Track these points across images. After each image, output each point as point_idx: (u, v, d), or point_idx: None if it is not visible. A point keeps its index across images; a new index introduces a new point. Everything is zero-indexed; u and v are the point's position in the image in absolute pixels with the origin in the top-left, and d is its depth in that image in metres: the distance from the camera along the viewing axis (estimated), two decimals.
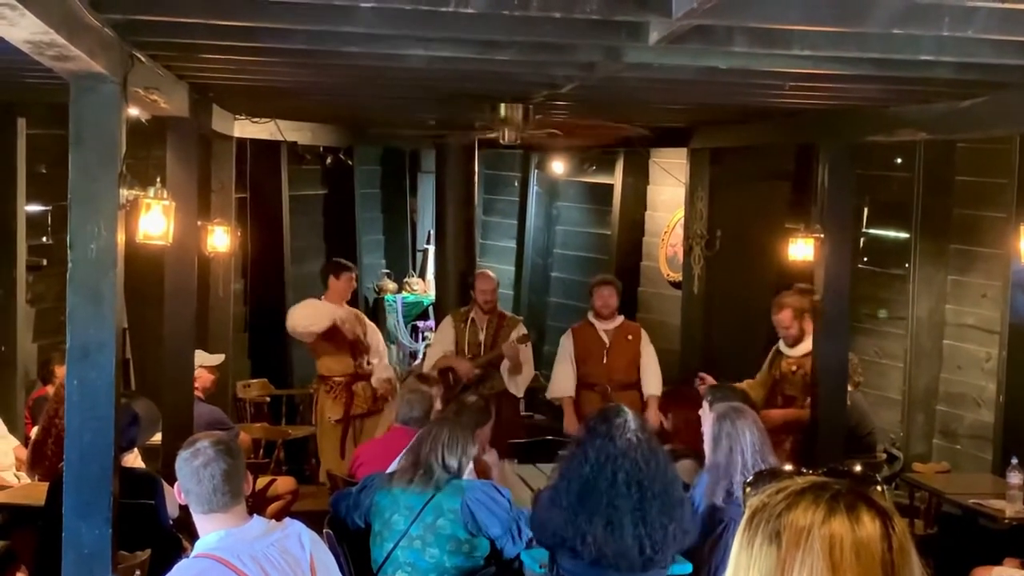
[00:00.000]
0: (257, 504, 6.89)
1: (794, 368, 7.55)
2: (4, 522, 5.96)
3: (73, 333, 4.41)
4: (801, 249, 7.41)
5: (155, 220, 5.10)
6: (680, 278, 10.09)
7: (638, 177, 11.10)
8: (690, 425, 6.10)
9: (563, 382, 7.97)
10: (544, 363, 9.70)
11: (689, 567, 4.76)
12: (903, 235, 8.83)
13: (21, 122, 7.76)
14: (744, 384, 7.59)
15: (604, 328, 7.99)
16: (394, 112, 8.83)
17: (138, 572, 4.71)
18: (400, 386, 7.68)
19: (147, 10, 3.98)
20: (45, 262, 8.05)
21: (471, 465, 4.97)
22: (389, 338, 12.09)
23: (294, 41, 4.43)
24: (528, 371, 8.13)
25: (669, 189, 10.60)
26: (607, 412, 4.48)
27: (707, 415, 5.44)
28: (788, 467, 6.30)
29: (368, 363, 8.32)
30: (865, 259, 8.96)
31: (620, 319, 8.08)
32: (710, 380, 7.17)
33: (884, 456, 7.78)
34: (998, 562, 5.72)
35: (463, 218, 10.00)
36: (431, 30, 4.13)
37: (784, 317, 7.52)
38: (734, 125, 8.61)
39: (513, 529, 4.73)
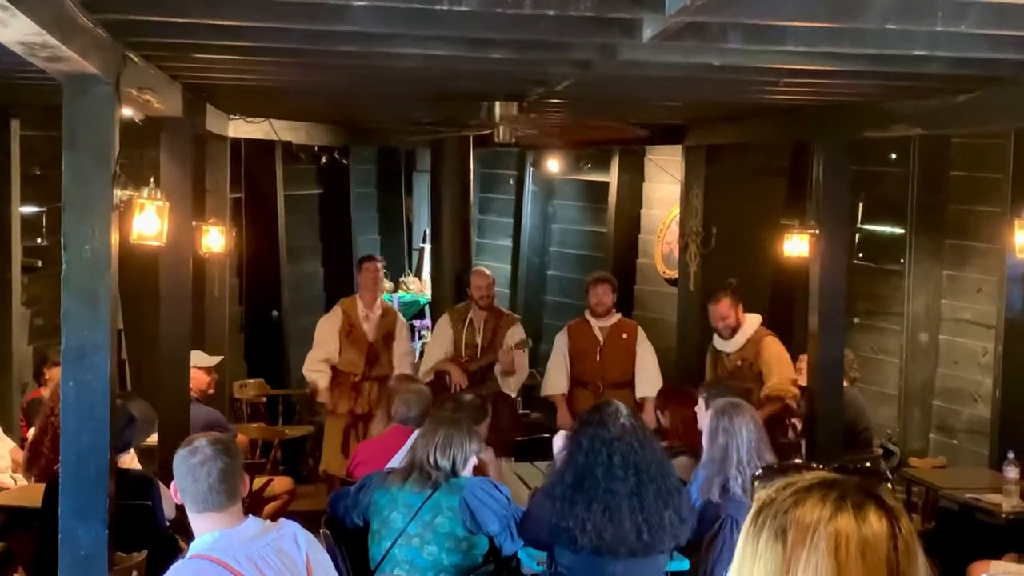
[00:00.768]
0: (254, 504, 6.89)
1: (739, 362, 7.60)
2: (1, 524, 5.94)
3: (68, 335, 4.41)
4: (796, 245, 7.42)
5: (149, 221, 5.10)
6: (676, 275, 10.09)
7: (634, 174, 11.10)
8: (686, 423, 6.10)
9: (556, 379, 7.99)
10: (541, 361, 9.70)
11: (686, 563, 4.77)
12: (898, 231, 8.84)
13: (15, 124, 7.75)
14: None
15: (599, 326, 7.99)
16: (389, 111, 8.82)
17: (135, 573, 4.70)
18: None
19: (140, 10, 3.97)
20: (40, 264, 8.03)
21: (471, 462, 4.97)
22: None
23: (288, 40, 4.43)
24: (522, 374, 8.13)
25: (665, 186, 10.60)
26: (598, 404, 4.60)
27: (703, 412, 5.45)
28: (798, 461, 6.33)
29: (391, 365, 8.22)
30: (861, 255, 8.97)
31: (616, 317, 8.07)
32: None
33: (881, 451, 7.79)
34: (995, 556, 5.73)
35: (459, 217, 9.99)
36: (425, 28, 4.12)
37: (722, 307, 7.61)
38: (729, 122, 8.61)
39: (511, 526, 4.73)
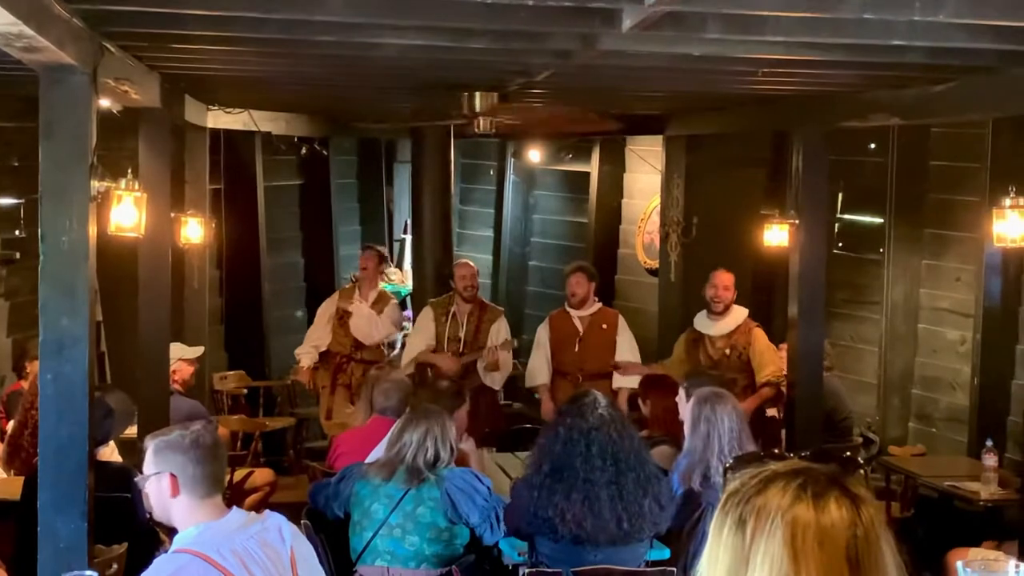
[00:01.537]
0: (235, 496, 6.88)
1: (727, 351, 7.50)
2: None
3: (46, 327, 4.38)
4: (776, 235, 7.44)
5: (127, 212, 5.07)
6: (657, 265, 10.10)
7: (615, 165, 11.11)
8: (668, 412, 6.11)
9: (539, 371, 7.95)
10: (523, 352, 9.70)
11: (667, 552, 4.78)
12: (877, 220, 8.88)
13: None
14: (659, 366, 7.61)
15: (579, 315, 7.94)
16: (369, 101, 8.80)
17: (115, 566, 4.68)
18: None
19: (117, 0, 3.95)
20: (18, 255, 7.98)
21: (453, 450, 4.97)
22: None
23: (266, 30, 4.41)
24: (506, 371, 8.09)
25: (645, 177, 10.61)
26: (576, 395, 4.64)
27: (684, 402, 5.46)
28: (775, 451, 6.34)
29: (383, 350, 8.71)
30: (840, 244, 9.00)
31: (596, 307, 8.02)
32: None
33: (861, 440, 7.83)
34: (974, 544, 5.76)
35: (440, 207, 9.97)
36: (404, 18, 4.12)
37: (728, 277, 7.51)
38: (709, 112, 8.62)
39: (492, 517, 4.73)
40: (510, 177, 12.63)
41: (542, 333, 8.05)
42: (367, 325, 8.54)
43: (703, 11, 3.94)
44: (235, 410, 9.41)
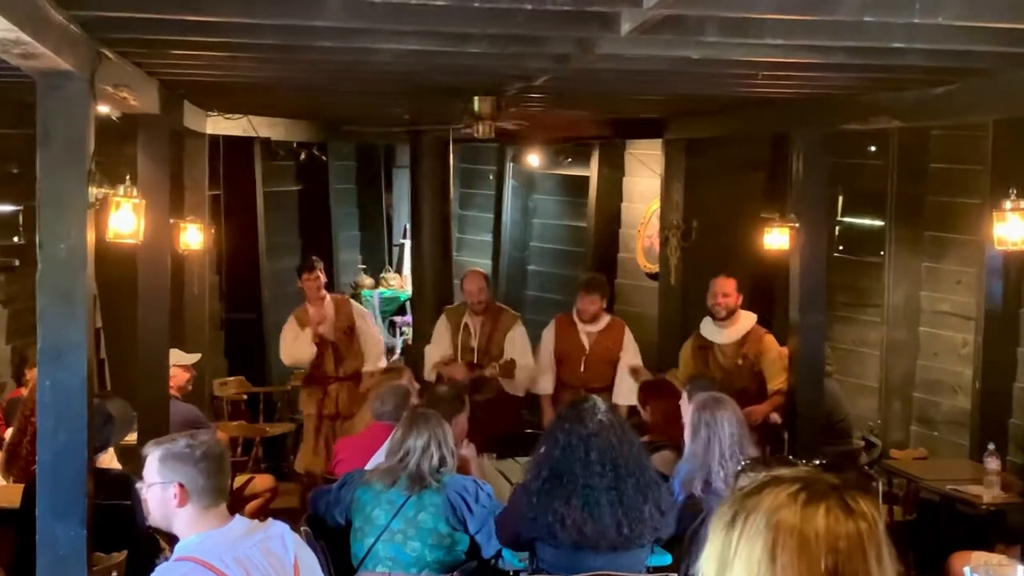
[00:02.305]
0: (235, 503, 6.85)
1: (739, 361, 7.39)
2: None
3: (44, 334, 4.37)
4: (776, 238, 7.43)
5: (125, 218, 5.06)
6: (657, 269, 10.09)
7: (614, 169, 11.09)
8: (668, 417, 6.09)
9: (543, 380, 7.81)
10: None
11: (669, 558, 4.77)
12: (878, 223, 8.87)
13: None
14: (671, 376, 7.52)
15: (586, 331, 7.76)
16: (367, 107, 8.79)
17: (114, 573, 4.67)
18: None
19: (114, 6, 3.94)
20: (17, 263, 7.96)
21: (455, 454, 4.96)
22: None
23: (264, 36, 4.40)
24: (523, 374, 7.74)
25: (645, 180, 10.60)
26: (576, 400, 4.64)
27: (686, 406, 5.44)
28: (790, 457, 6.31)
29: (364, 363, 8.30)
30: (840, 247, 8.99)
31: (604, 322, 7.82)
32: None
33: (862, 443, 7.81)
34: (976, 547, 5.75)
35: (439, 212, 9.97)
36: (401, 23, 4.10)
37: (730, 284, 7.38)
38: (708, 115, 8.61)
39: (491, 524, 4.72)
40: (509, 182, 12.62)
41: (547, 338, 7.90)
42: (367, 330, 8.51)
43: (701, 14, 3.93)
44: (235, 416, 9.40)
